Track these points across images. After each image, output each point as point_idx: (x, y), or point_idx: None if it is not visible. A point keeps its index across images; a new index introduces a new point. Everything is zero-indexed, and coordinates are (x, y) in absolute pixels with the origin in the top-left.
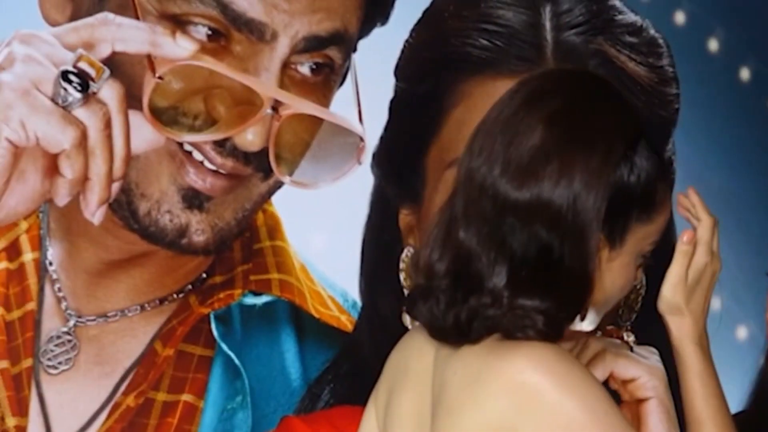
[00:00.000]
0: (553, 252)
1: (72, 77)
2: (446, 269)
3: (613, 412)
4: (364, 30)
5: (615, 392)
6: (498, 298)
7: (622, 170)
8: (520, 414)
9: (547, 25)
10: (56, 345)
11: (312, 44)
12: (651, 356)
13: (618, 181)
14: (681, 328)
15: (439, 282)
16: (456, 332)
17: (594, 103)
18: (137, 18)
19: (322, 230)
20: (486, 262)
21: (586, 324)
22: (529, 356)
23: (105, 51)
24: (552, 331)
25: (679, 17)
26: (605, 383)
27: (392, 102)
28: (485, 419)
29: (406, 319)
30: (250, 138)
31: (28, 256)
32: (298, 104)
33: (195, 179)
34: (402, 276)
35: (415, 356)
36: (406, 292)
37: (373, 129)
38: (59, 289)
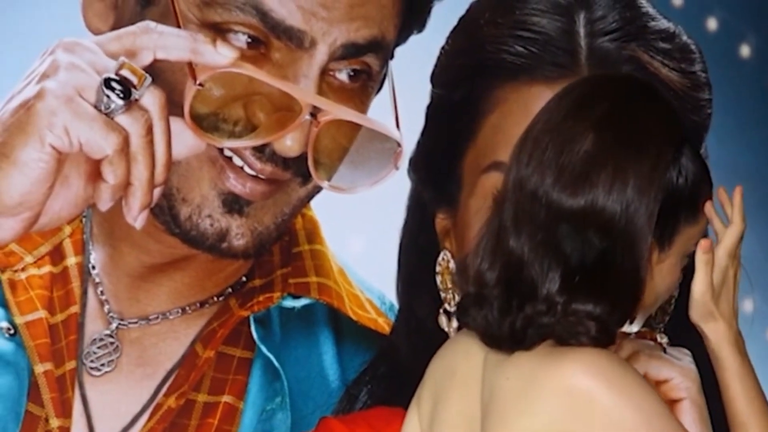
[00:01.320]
0: (606, 257)
1: (114, 84)
2: (498, 277)
3: (666, 415)
4: (401, 37)
5: None
6: (552, 305)
7: (671, 173)
8: (573, 419)
9: (581, 31)
10: (99, 347)
11: (350, 51)
12: (684, 358)
13: (668, 185)
14: (716, 333)
15: (491, 290)
16: (511, 339)
17: (641, 106)
18: (178, 26)
19: (360, 234)
20: (539, 269)
21: (635, 326)
22: (581, 361)
23: (147, 59)
24: (604, 336)
25: (712, 24)
26: None
27: (428, 108)
28: (539, 424)
29: (442, 321)
30: (289, 144)
31: (72, 260)
32: (336, 110)
33: (235, 184)
34: (438, 279)
35: (462, 360)
36: (442, 294)
37: (409, 134)
38: (102, 293)
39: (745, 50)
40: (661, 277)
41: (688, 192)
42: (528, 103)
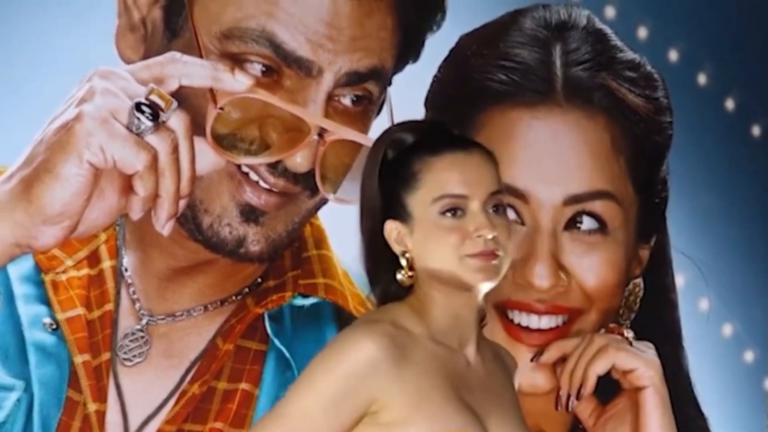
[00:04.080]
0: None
1: (144, 108)
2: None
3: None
4: (398, 66)
5: (616, 381)
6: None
7: (380, 155)
8: None
9: (558, 62)
10: (131, 340)
11: (353, 79)
12: (648, 350)
13: (380, 164)
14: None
15: None
16: None
17: None
18: (201, 56)
19: None
20: None
21: None
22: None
23: (173, 85)
24: (379, 301)
25: (673, 55)
26: (608, 374)
27: None
28: None
29: None
30: (299, 161)
31: (107, 264)
32: (340, 131)
33: (251, 197)
34: None
35: None
36: None
37: None
38: (133, 292)
39: (702, 78)
40: (422, 244)
41: (400, 165)
42: (510, 125)
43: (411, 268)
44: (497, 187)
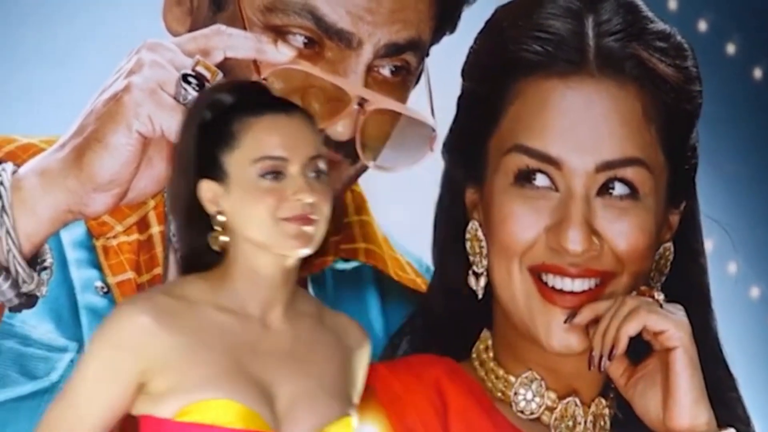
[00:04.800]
0: None
1: (191, 79)
2: None
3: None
4: (436, 38)
5: (647, 342)
6: None
7: (197, 119)
8: None
9: (590, 33)
10: None
11: (391, 50)
12: (677, 312)
13: (197, 126)
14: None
15: None
16: None
17: None
18: (245, 29)
19: (401, 207)
20: None
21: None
22: None
23: (218, 57)
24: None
25: (702, 25)
26: (639, 335)
27: (459, 99)
28: None
29: (471, 281)
30: (340, 129)
31: (155, 229)
32: (380, 101)
33: None
34: (467, 245)
35: None
36: (470, 258)
37: (443, 121)
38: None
39: (731, 48)
40: (239, 205)
41: (218, 125)
42: (544, 95)
43: (224, 229)
44: (318, 152)
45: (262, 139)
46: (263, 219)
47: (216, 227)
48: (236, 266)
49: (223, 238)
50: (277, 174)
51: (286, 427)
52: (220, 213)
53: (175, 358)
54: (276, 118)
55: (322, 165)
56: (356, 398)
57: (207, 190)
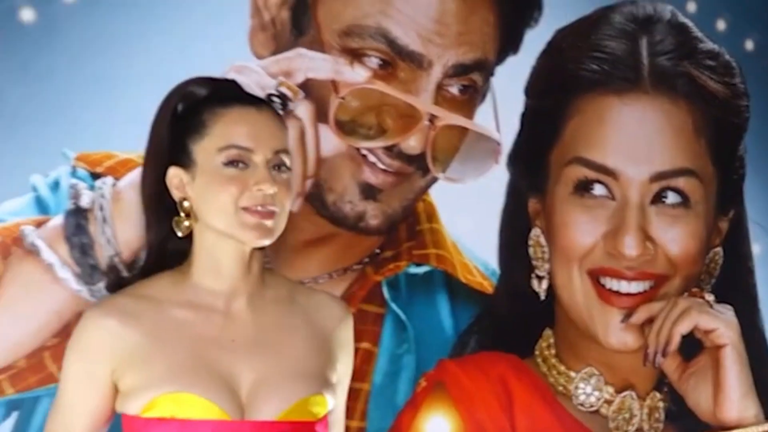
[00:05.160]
0: None
1: (275, 99)
2: None
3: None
4: (500, 58)
5: (699, 340)
6: None
7: (169, 108)
8: None
9: (644, 52)
10: None
11: (459, 70)
12: (727, 312)
13: (169, 116)
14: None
15: None
16: None
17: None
18: (324, 52)
19: (469, 215)
20: None
21: None
22: None
23: (299, 78)
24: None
25: (749, 44)
26: (691, 333)
27: (522, 115)
28: None
29: (534, 284)
30: (412, 144)
31: None
32: (449, 117)
33: (370, 176)
34: (531, 250)
35: None
36: (534, 262)
37: (507, 136)
38: (267, 262)
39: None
40: (202, 192)
41: (189, 114)
42: (601, 111)
43: (188, 216)
44: (283, 146)
45: (229, 129)
46: (224, 206)
47: (181, 212)
48: (199, 260)
49: (186, 223)
50: (240, 163)
51: (250, 414)
52: (184, 199)
53: (138, 356)
54: (245, 110)
55: (286, 159)
56: (333, 375)
57: (174, 176)
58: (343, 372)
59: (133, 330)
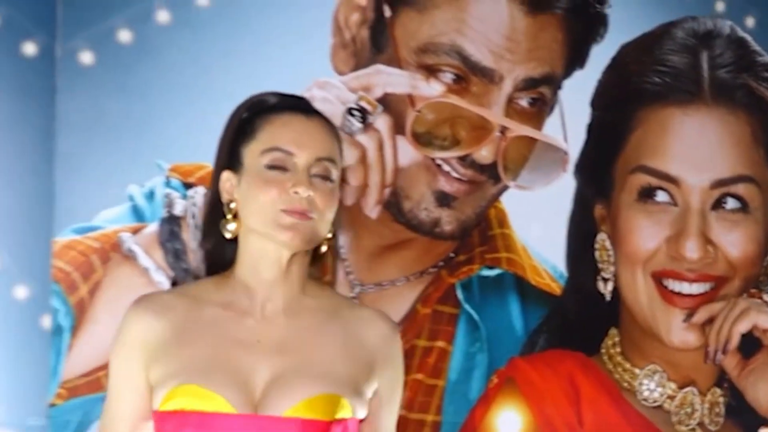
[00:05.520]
0: None
1: (355, 112)
2: None
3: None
4: (567, 72)
5: (757, 339)
6: None
7: (236, 117)
8: None
9: (705, 66)
10: None
11: (529, 84)
12: None
13: (231, 123)
14: None
15: None
16: None
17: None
18: (401, 68)
19: (538, 221)
20: None
21: None
22: None
23: (378, 93)
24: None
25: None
26: (750, 332)
27: (589, 126)
28: None
29: (600, 285)
30: (484, 154)
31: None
32: (519, 128)
33: (445, 185)
34: (597, 254)
35: None
36: (599, 265)
37: (574, 146)
38: (347, 266)
39: None
40: (246, 193)
41: (243, 120)
42: (664, 121)
43: (235, 218)
44: (328, 155)
45: (275, 132)
46: (264, 207)
47: (227, 215)
48: (241, 262)
49: (230, 226)
50: (283, 167)
51: (263, 409)
52: (231, 201)
53: (164, 349)
54: (293, 117)
55: (332, 169)
56: (367, 387)
57: (226, 180)
58: (385, 387)
59: (166, 324)
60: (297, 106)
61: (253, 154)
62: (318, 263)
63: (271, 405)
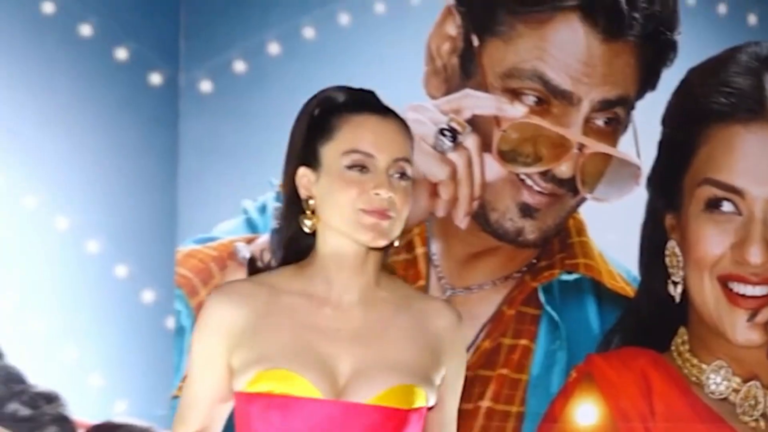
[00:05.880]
0: None
1: (446, 132)
2: None
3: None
4: (640, 94)
5: None
6: None
7: (307, 112)
8: None
9: (767, 87)
10: None
11: (604, 105)
12: None
13: (306, 120)
14: None
15: None
16: None
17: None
18: (488, 92)
19: (613, 230)
20: None
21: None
22: None
23: (467, 114)
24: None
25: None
26: None
27: (660, 143)
28: None
29: (670, 288)
30: (563, 169)
31: (419, 250)
32: (595, 146)
33: (528, 197)
34: (667, 259)
35: None
36: (670, 270)
37: (646, 161)
38: (439, 272)
39: None
40: (325, 192)
41: (319, 118)
42: (729, 138)
43: (313, 214)
44: (404, 155)
45: (354, 134)
46: (344, 206)
47: (306, 210)
48: (319, 254)
49: (308, 222)
50: (362, 168)
51: (346, 397)
52: (310, 198)
53: (249, 334)
54: (371, 118)
55: (407, 168)
56: (436, 375)
57: (302, 176)
58: (452, 374)
59: (247, 311)
60: (370, 104)
61: (332, 154)
62: (388, 254)
63: (355, 392)
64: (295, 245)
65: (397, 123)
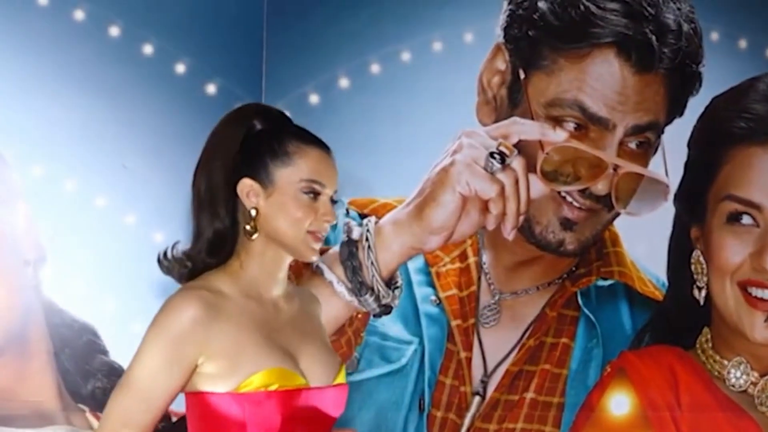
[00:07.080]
0: None
1: (495, 155)
2: None
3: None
4: (668, 120)
5: None
6: None
7: (242, 130)
8: None
9: None
10: (488, 310)
11: (636, 130)
12: None
13: (243, 137)
14: None
15: None
16: None
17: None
18: (533, 119)
19: (645, 240)
20: None
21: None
22: None
23: (514, 139)
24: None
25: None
26: None
27: (686, 163)
28: None
29: (696, 293)
30: (600, 187)
31: (471, 259)
32: (628, 166)
33: (568, 212)
34: (693, 267)
35: None
36: (695, 276)
37: (674, 179)
38: (489, 278)
39: None
40: (276, 209)
41: (269, 138)
42: (748, 158)
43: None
44: (337, 186)
45: (313, 167)
46: (296, 226)
47: (248, 218)
48: (253, 258)
49: (255, 235)
50: (315, 194)
51: (313, 381)
52: (254, 208)
53: (224, 342)
54: (322, 153)
55: (335, 197)
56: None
57: (248, 187)
58: None
59: (215, 319)
60: (315, 138)
61: (289, 178)
62: None
63: (317, 378)
64: (221, 241)
65: (333, 157)
